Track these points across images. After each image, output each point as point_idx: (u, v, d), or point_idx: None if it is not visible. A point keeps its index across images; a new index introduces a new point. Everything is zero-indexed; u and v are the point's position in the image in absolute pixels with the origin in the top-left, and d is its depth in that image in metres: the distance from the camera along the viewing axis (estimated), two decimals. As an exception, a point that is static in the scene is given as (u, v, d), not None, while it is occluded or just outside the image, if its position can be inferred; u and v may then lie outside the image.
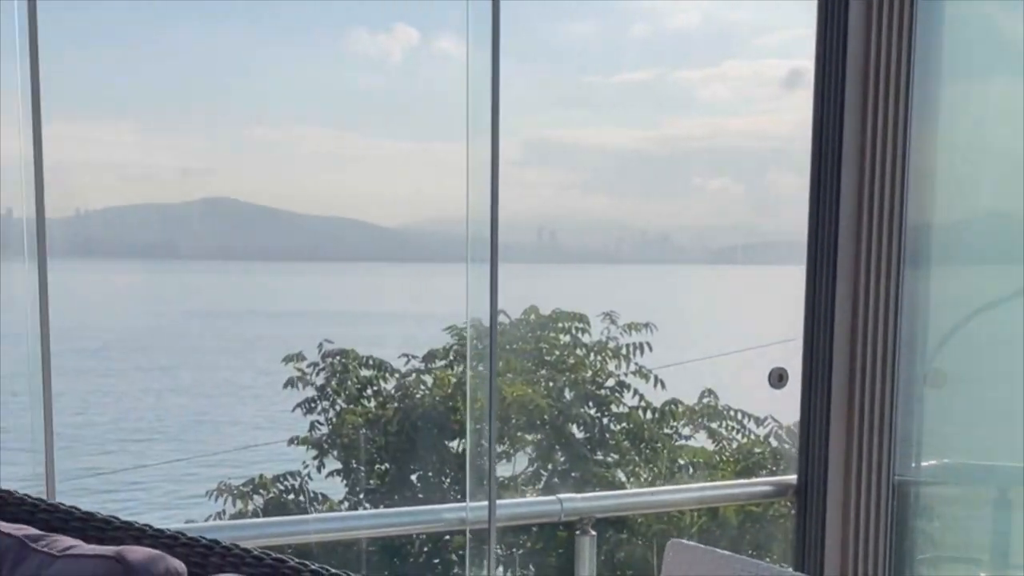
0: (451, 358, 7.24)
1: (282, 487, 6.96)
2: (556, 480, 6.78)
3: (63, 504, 2.24)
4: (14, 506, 2.25)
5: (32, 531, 2.05)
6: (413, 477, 7.18)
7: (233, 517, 6.74)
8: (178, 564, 1.86)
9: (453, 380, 7.08)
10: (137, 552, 1.85)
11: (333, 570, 1.81)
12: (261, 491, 6.94)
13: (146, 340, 25.88)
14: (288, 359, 7.23)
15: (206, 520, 8.79)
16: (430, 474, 7.10)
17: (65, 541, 2.00)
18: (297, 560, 1.86)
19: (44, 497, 2.35)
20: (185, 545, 2.01)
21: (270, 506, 6.84)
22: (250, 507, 6.89)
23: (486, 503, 3.33)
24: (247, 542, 2.07)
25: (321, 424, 7.17)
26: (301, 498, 6.96)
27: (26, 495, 2.29)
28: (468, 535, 3.41)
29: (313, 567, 1.84)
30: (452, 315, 7.45)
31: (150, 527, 2.10)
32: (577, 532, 3.72)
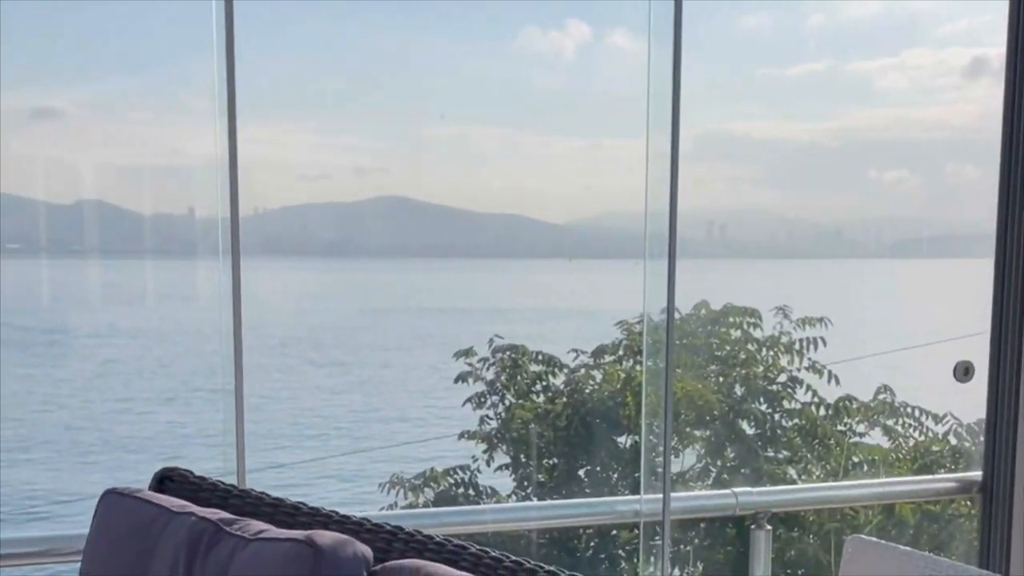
0: (620, 353, 7.24)
1: (452, 481, 7.06)
2: (725, 476, 6.72)
3: (254, 490, 2.32)
4: (208, 491, 2.35)
5: (226, 515, 2.14)
6: (581, 472, 7.20)
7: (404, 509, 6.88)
8: (364, 548, 1.92)
9: (622, 375, 7.08)
10: (326, 536, 1.91)
11: (513, 557, 1.85)
12: (432, 484, 7.05)
13: (321, 336, 26.56)
14: (459, 354, 7.33)
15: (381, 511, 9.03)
16: (598, 469, 7.11)
17: (257, 525, 2.09)
18: (478, 547, 1.90)
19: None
20: (370, 531, 2.07)
21: (440, 499, 6.95)
22: (421, 500, 7.01)
23: (660, 496, 3.32)
24: (426, 531, 2.11)
25: (490, 419, 7.25)
26: (471, 492, 7.04)
27: (219, 480, 2.39)
28: (641, 527, 3.41)
29: (493, 553, 1.87)
30: (622, 310, 7.45)
31: (336, 513, 2.17)
32: (752, 527, 3.67)
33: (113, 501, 2.30)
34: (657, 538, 3.50)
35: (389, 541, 2.02)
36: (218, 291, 2.83)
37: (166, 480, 2.42)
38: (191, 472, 2.43)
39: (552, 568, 1.79)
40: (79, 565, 2.34)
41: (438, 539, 1.98)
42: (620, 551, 6.64)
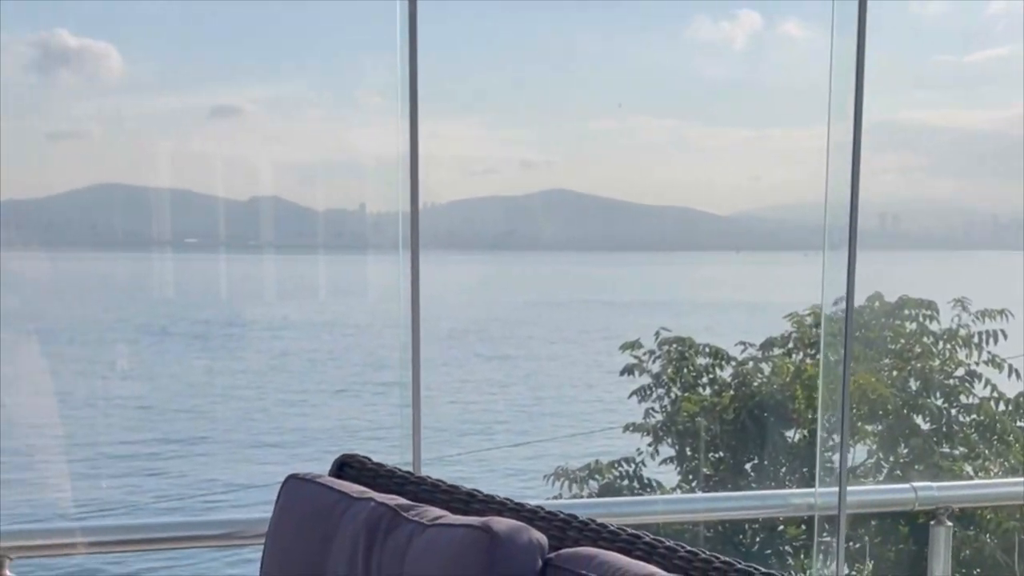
0: (790, 346, 7.14)
1: (617, 473, 7.07)
2: (898, 472, 6.57)
3: (430, 477, 2.37)
4: (385, 478, 2.40)
5: (403, 501, 2.19)
6: (747, 466, 7.13)
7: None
8: (539, 536, 1.95)
9: (791, 368, 6.98)
10: (502, 523, 1.94)
11: (687, 547, 1.85)
12: (596, 476, 7.07)
13: (487, 329, 26.83)
14: (625, 347, 7.33)
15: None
16: (766, 463, 7.03)
17: (433, 511, 2.13)
18: (652, 536, 1.91)
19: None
20: (544, 519, 2.08)
21: (605, 491, 6.96)
22: (585, 492, 7.03)
23: (835, 489, 3.26)
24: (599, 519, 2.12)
25: (656, 411, 7.22)
26: (635, 484, 7.03)
27: (396, 468, 2.45)
28: (816, 521, 3.36)
29: (668, 543, 1.88)
30: (790, 303, 7.35)
31: (511, 501, 2.20)
32: (932, 523, 3.56)
33: (295, 486, 2.38)
34: (825, 534, 3.44)
35: (563, 529, 2.04)
36: (398, 285, 2.89)
37: (345, 467, 2.48)
38: (369, 459, 2.49)
39: (727, 559, 1.78)
40: (261, 548, 2.42)
41: (612, 527, 1.98)
42: (787, 547, 6.55)
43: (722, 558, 1.80)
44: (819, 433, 3.73)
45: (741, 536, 6.63)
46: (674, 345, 7.26)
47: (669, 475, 7.23)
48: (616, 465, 7.08)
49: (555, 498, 6.90)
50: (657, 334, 7.33)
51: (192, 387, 21.36)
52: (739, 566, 1.74)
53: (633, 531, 1.96)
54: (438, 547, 2.00)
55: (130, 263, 30.66)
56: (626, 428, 7.33)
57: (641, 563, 1.82)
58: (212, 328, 26.09)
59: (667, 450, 7.20)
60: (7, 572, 2.67)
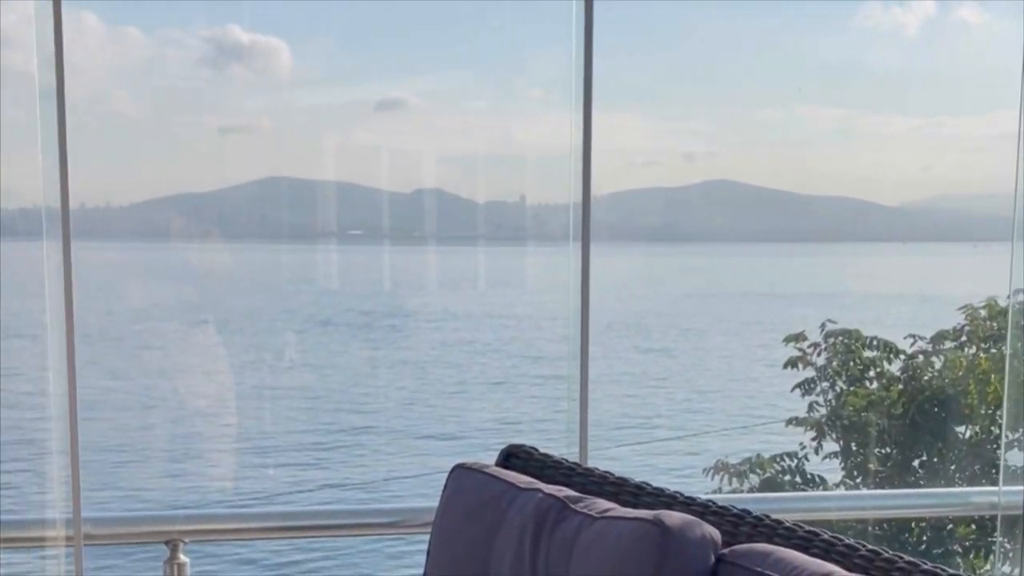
0: (963, 339, 6.93)
1: (779, 467, 6.95)
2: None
3: (597, 469, 2.34)
4: (552, 469, 2.39)
5: (571, 493, 2.17)
6: (915, 463, 6.94)
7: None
8: (712, 531, 1.90)
9: (964, 362, 6.76)
10: (674, 517, 1.90)
11: (868, 546, 1.78)
12: (758, 470, 6.96)
13: (646, 322, 26.68)
14: (789, 339, 7.20)
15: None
16: (935, 460, 6.83)
17: (602, 504, 2.10)
18: (830, 534, 1.84)
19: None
20: (716, 514, 2.04)
21: (765, 486, 6.84)
22: (745, 486, 6.93)
23: (1021, 487, 3.12)
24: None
25: (819, 405, 7.09)
26: (798, 479, 6.91)
27: (563, 459, 2.43)
28: (999, 521, 3.22)
29: (847, 541, 1.81)
30: (961, 295, 7.14)
31: (681, 494, 2.15)
32: None
33: (462, 476, 2.38)
34: (995, 534, 3.29)
35: (736, 524, 1.99)
36: (562, 277, 2.89)
37: (512, 457, 2.48)
38: (536, 449, 2.48)
39: (911, 559, 1.71)
40: (423, 537, 2.43)
41: (787, 524, 1.93)
42: (957, 547, 6.35)
43: (906, 558, 1.73)
44: (1003, 430, 3.58)
45: (907, 535, 6.45)
46: (840, 338, 7.11)
47: (833, 471, 7.08)
48: (778, 460, 6.97)
49: (714, 492, 6.83)
50: (823, 326, 7.18)
51: (355, 377, 21.76)
52: (925, 567, 1.66)
53: (810, 528, 1.90)
54: (608, 540, 1.98)
55: (296, 255, 31.41)
56: (788, 422, 7.21)
57: (819, 561, 1.76)
58: (375, 319, 26.54)
59: (831, 445, 7.06)
60: (180, 555, 2.74)
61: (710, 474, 7.14)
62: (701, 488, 7.08)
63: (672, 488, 2.22)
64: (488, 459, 2.47)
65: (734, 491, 6.88)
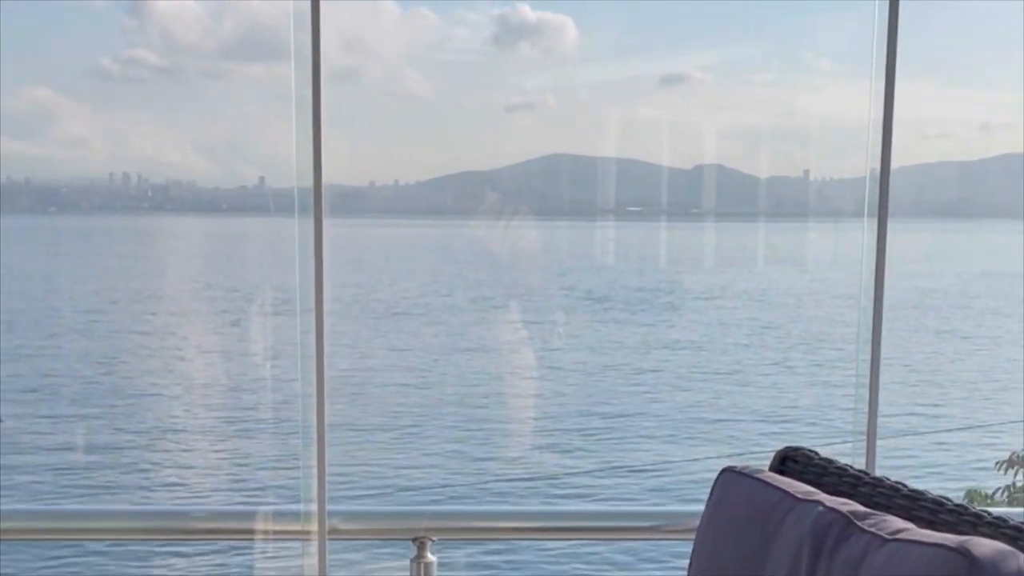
0: None
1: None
2: None
3: (887, 478, 2.04)
4: (834, 476, 2.10)
5: (857, 507, 1.89)
6: None
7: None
8: (1032, 565, 1.59)
9: None
10: (984, 545, 1.59)
11: None
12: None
13: (935, 302, 25.52)
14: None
15: (993, 494, 8.25)
16: None
17: (893, 522, 1.82)
18: None
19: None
20: (1034, 541, 1.71)
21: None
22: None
23: None
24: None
25: None
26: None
27: (848, 465, 2.14)
28: None
29: None
30: None
31: (988, 513, 1.83)
32: None
33: (731, 480, 2.15)
34: None
35: (1062, 556, 1.66)
36: (862, 255, 2.66)
37: (788, 460, 2.21)
38: (816, 453, 2.20)
39: None
40: (689, 544, 2.22)
41: None
42: None
43: None
44: None
45: None
46: None
47: None
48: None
49: (1007, 488, 6.37)
50: None
51: (629, 357, 21.64)
52: None
53: None
54: (901, 568, 1.69)
55: (573, 231, 31.67)
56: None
57: None
58: (650, 295, 26.39)
59: None
60: (428, 554, 2.63)
61: (1003, 467, 6.65)
62: (993, 485, 6.63)
63: (958, 484, 1.90)
64: (761, 451, 2.22)
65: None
